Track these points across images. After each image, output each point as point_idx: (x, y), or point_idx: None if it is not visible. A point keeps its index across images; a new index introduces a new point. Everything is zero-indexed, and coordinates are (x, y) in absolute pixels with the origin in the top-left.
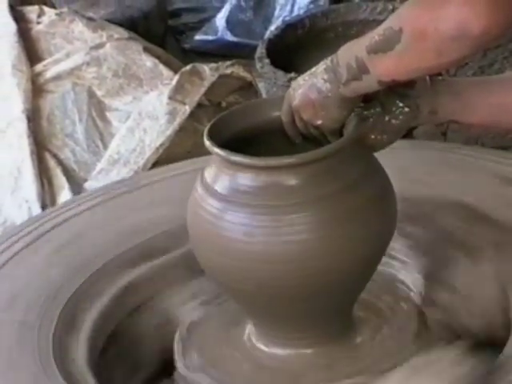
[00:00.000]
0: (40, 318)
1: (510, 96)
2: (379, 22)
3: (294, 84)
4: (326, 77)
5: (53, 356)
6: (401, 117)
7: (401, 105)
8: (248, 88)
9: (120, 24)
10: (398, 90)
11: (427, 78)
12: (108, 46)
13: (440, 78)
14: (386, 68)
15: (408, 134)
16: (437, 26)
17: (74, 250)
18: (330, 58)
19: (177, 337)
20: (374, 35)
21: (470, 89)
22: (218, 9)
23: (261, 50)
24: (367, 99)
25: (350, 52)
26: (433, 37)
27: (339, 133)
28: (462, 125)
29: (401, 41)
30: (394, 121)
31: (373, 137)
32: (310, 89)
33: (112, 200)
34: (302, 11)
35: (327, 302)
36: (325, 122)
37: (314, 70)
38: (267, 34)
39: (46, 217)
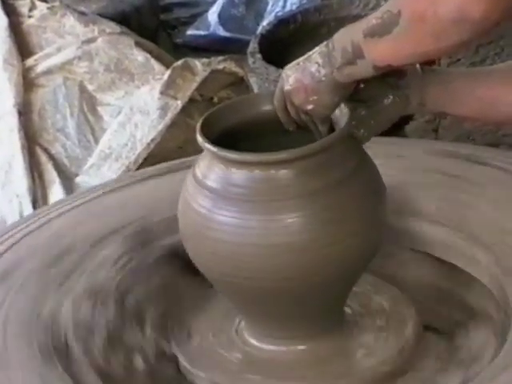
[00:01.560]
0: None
1: (496, 89)
2: None
3: (287, 68)
4: (320, 61)
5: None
6: (391, 108)
7: (391, 96)
8: (240, 83)
9: (112, 18)
10: (389, 80)
11: (418, 68)
12: (100, 40)
13: (430, 68)
14: (382, 52)
15: (400, 131)
16: (436, 9)
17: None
18: (325, 43)
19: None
20: (372, 18)
21: (458, 80)
22: (211, 4)
23: (253, 46)
24: (358, 89)
25: (346, 36)
26: (432, 20)
27: (329, 122)
28: (451, 116)
29: (399, 24)
30: (384, 112)
31: (362, 129)
32: (303, 73)
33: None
34: (294, 6)
35: (319, 298)
36: (316, 108)
37: (308, 54)
38: (259, 30)
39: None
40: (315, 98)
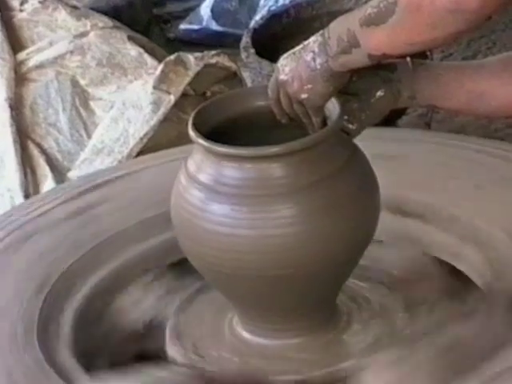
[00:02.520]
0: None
1: (485, 82)
2: None
3: (282, 58)
4: (315, 50)
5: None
6: (382, 101)
7: (383, 89)
8: (233, 78)
9: (104, 12)
10: (380, 73)
11: (409, 61)
12: (92, 34)
13: (421, 61)
14: (378, 41)
15: (392, 124)
16: None
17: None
18: (320, 32)
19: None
20: (368, 7)
21: (448, 74)
22: None
23: (246, 40)
24: (350, 82)
25: (342, 25)
26: (428, 9)
27: (323, 113)
28: (441, 110)
29: (395, 13)
30: (375, 105)
31: (353, 122)
32: (298, 62)
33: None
34: (287, 1)
35: (311, 291)
36: (310, 97)
37: (304, 43)
38: (252, 24)
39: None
40: (310, 86)
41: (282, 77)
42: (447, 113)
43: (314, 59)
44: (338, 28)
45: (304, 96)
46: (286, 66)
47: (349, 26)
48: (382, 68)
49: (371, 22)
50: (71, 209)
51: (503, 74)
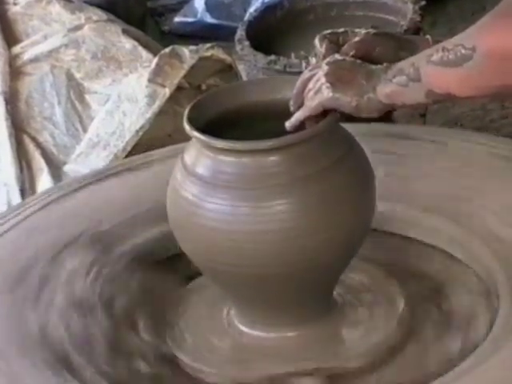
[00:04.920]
0: None
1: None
2: (358, 4)
3: (331, 57)
4: (370, 68)
5: None
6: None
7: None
8: (228, 70)
9: (98, 6)
10: (402, 54)
11: (430, 40)
12: (86, 28)
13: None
14: (447, 81)
15: (387, 117)
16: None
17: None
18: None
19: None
20: (440, 48)
21: None
22: None
23: (240, 33)
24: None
25: (407, 61)
26: (508, 57)
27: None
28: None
29: (473, 58)
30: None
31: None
32: (349, 70)
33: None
34: None
35: (309, 284)
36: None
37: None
38: (247, 16)
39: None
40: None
41: (328, 76)
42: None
43: (366, 76)
44: (401, 63)
45: (330, 96)
46: (335, 68)
47: (414, 61)
48: (403, 49)
49: (444, 63)
50: None
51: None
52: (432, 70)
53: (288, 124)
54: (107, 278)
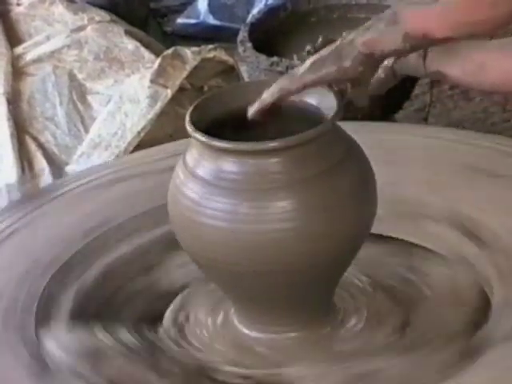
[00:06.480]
0: None
1: (490, 52)
2: (361, 6)
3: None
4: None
5: None
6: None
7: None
8: (230, 72)
9: (101, 6)
10: None
11: None
12: (89, 28)
13: None
14: (423, 19)
15: (389, 119)
16: None
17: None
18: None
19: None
20: None
21: (460, 43)
22: None
23: (243, 34)
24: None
25: (388, 10)
26: None
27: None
28: (446, 80)
29: None
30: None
31: (358, 100)
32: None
33: None
34: None
35: (309, 286)
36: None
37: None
38: (249, 18)
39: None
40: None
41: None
42: (451, 83)
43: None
44: (381, 14)
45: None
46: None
47: (394, 8)
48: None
49: (421, 2)
50: None
51: (506, 47)
52: (409, 12)
53: (265, 95)
54: None
